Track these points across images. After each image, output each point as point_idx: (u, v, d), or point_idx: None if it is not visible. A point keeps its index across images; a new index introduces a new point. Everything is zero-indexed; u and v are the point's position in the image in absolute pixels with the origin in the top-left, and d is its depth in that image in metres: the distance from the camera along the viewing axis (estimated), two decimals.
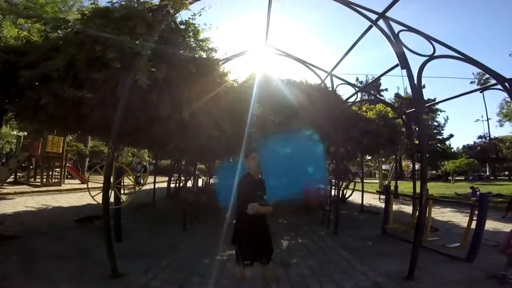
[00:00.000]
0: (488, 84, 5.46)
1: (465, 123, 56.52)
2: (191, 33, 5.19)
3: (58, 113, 3.98)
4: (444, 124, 39.59)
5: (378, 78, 7.45)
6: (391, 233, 5.79)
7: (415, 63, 3.92)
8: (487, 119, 37.33)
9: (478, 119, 41.32)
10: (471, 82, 36.41)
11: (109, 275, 3.36)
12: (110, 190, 4.61)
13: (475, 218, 4.14)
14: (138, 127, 4.60)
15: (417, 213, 5.46)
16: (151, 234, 5.52)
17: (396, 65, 4.92)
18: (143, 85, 3.40)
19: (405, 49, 4.02)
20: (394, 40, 4.13)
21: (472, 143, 39.56)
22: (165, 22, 4.29)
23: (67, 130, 5.52)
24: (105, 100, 3.74)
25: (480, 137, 38.95)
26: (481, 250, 4.16)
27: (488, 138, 37.20)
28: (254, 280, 3.27)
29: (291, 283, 3.39)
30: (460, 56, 4.33)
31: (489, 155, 34.54)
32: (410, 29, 4.37)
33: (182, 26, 5.12)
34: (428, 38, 4.29)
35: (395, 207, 6.55)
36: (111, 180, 4.67)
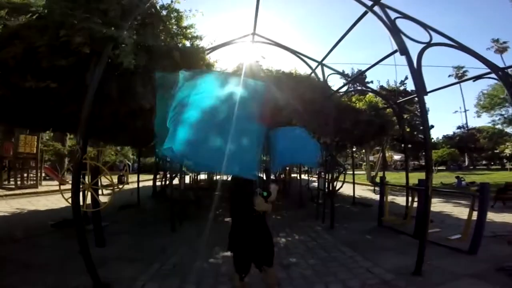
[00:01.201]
0: (482, 73, 5.38)
1: (443, 114, 58.48)
2: (173, 20, 4.79)
3: (22, 108, 3.49)
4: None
5: (371, 67, 7.32)
6: (387, 226, 5.67)
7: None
8: (465, 111, 38.81)
9: (457, 111, 42.88)
10: (449, 76, 37.70)
11: (91, 285, 2.99)
12: (86, 192, 4.21)
13: (475, 208, 4.03)
14: (117, 121, 4.16)
15: (414, 204, 5.39)
16: (137, 237, 5.12)
17: (393, 52, 4.76)
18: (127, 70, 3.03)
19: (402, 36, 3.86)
20: (391, 26, 3.96)
21: (452, 133, 40.99)
22: (143, 5, 3.87)
23: (36, 127, 4.96)
24: (76, 91, 3.31)
25: (459, 127, 40.45)
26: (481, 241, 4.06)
27: (466, 129, 38.69)
28: (255, 285, 3.01)
29: (294, 286, 3.13)
30: (455, 44, 4.25)
31: (467, 145, 35.85)
32: (406, 16, 4.22)
33: (164, 11, 4.71)
34: (425, 26, 4.17)
35: None
36: (87, 181, 4.27)
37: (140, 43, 3.79)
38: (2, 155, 11.72)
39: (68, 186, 6.01)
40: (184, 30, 4.87)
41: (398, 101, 7.58)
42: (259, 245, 2.31)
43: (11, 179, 12.29)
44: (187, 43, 4.97)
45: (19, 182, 11.60)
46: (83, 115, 2.82)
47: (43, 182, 13.53)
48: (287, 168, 18.10)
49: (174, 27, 4.78)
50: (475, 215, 4.10)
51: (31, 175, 12.68)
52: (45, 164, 15.69)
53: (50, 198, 10.32)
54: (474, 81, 5.58)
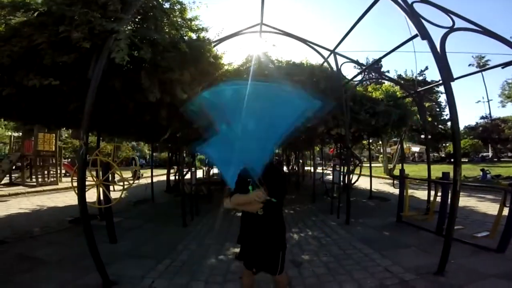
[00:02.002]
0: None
1: (464, 105, 55.58)
2: (177, 12, 4.67)
3: (28, 106, 3.50)
4: (445, 106, 38.95)
5: (388, 54, 6.91)
6: (407, 221, 5.39)
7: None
8: (488, 100, 36.67)
9: (479, 101, 40.63)
10: (469, 65, 35.77)
11: (101, 283, 2.98)
12: (97, 188, 4.22)
13: (507, 204, 3.70)
14: (126, 116, 4.11)
15: (437, 199, 5.07)
16: (149, 233, 5.13)
17: (412, 38, 4.44)
18: (122, 65, 2.95)
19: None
20: (409, 10, 3.66)
21: (474, 123, 38.98)
22: None
23: (46, 125, 5.05)
24: (82, 87, 3.28)
25: (482, 117, 38.38)
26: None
27: (490, 119, 36.64)
28: (265, 284, 2.90)
29: (305, 285, 2.99)
30: (479, 29, 3.88)
31: (491, 136, 34.04)
32: (424, 0, 3.89)
33: (166, 4, 4.59)
34: (446, 10, 3.83)
35: None
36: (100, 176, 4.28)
37: (145, 37, 3.71)
38: (23, 153, 12.14)
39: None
40: (189, 22, 4.75)
41: (418, 90, 7.16)
42: (259, 250, 2.09)
43: (33, 177, 12.76)
44: (193, 36, 4.85)
45: (40, 179, 12.00)
46: (85, 111, 2.77)
47: (63, 179, 13.98)
48: (301, 161, 17.88)
49: (179, 19, 4.66)
50: (505, 211, 3.77)
51: (52, 172, 13.10)
52: (64, 161, 16.21)
53: (69, 194, 10.61)
54: (503, 68, 5.15)
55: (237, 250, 2.29)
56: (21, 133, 15.83)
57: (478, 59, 34.61)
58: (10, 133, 17.20)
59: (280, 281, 2.25)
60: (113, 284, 3.02)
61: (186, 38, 4.73)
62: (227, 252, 4.02)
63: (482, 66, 31.63)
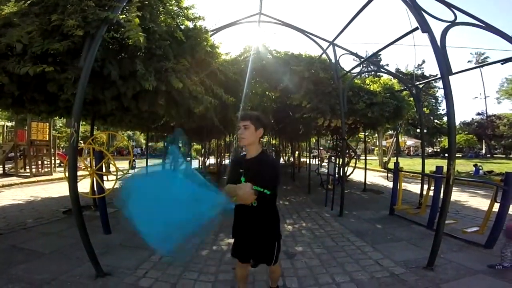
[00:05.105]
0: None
1: (460, 101, 55.80)
2: (173, 0, 4.57)
3: (23, 95, 3.43)
4: (442, 100, 39.20)
5: (387, 46, 6.84)
6: (399, 215, 5.47)
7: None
8: (485, 97, 36.82)
9: (477, 97, 40.93)
10: (468, 61, 35.89)
11: (94, 274, 2.98)
12: (91, 177, 4.19)
13: (498, 200, 3.75)
14: (121, 105, 4.05)
15: (430, 193, 5.12)
16: None
17: (413, 30, 4.40)
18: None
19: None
20: (411, 2, 3.60)
21: (470, 119, 39.31)
22: None
23: (40, 114, 4.98)
24: (79, 76, 3.22)
25: (478, 113, 38.74)
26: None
27: (485, 115, 36.91)
28: (258, 274, 2.93)
29: (298, 276, 3.02)
30: (481, 24, 3.86)
31: (486, 132, 34.36)
32: None
33: None
34: (448, 5, 3.79)
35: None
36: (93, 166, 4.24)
37: (140, 25, 3.62)
38: (16, 143, 11.91)
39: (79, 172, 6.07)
40: (185, 10, 4.65)
41: (416, 83, 7.15)
42: (254, 241, 2.08)
43: (27, 167, 12.56)
44: (190, 24, 4.76)
45: (34, 170, 11.81)
46: (77, 98, 2.73)
47: (58, 169, 13.82)
48: (297, 152, 17.93)
49: (175, 8, 4.56)
50: (495, 206, 3.83)
51: (46, 162, 12.91)
52: (58, 151, 16.01)
53: (63, 185, 10.51)
54: (502, 64, 5.16)
55: (231, 241, 2.27)
56: (13, 123, 15.58)
57: (477, 55, 34.74)
58: (3, 123, 16.91)
59: (275, 271, 2.34)
60: (106, 274, 3.02)
61: (182, 26, 4.65)
62: (221, 243, 4.04)
63: (481, 62, 31.75)
